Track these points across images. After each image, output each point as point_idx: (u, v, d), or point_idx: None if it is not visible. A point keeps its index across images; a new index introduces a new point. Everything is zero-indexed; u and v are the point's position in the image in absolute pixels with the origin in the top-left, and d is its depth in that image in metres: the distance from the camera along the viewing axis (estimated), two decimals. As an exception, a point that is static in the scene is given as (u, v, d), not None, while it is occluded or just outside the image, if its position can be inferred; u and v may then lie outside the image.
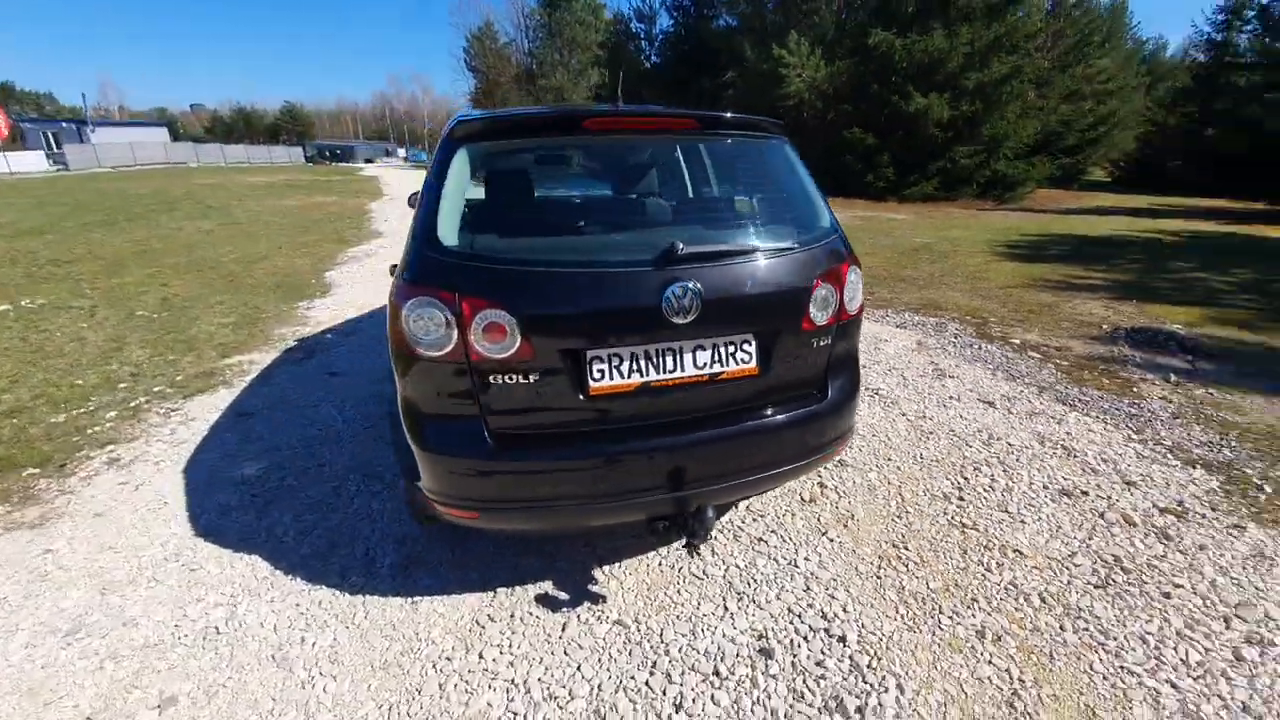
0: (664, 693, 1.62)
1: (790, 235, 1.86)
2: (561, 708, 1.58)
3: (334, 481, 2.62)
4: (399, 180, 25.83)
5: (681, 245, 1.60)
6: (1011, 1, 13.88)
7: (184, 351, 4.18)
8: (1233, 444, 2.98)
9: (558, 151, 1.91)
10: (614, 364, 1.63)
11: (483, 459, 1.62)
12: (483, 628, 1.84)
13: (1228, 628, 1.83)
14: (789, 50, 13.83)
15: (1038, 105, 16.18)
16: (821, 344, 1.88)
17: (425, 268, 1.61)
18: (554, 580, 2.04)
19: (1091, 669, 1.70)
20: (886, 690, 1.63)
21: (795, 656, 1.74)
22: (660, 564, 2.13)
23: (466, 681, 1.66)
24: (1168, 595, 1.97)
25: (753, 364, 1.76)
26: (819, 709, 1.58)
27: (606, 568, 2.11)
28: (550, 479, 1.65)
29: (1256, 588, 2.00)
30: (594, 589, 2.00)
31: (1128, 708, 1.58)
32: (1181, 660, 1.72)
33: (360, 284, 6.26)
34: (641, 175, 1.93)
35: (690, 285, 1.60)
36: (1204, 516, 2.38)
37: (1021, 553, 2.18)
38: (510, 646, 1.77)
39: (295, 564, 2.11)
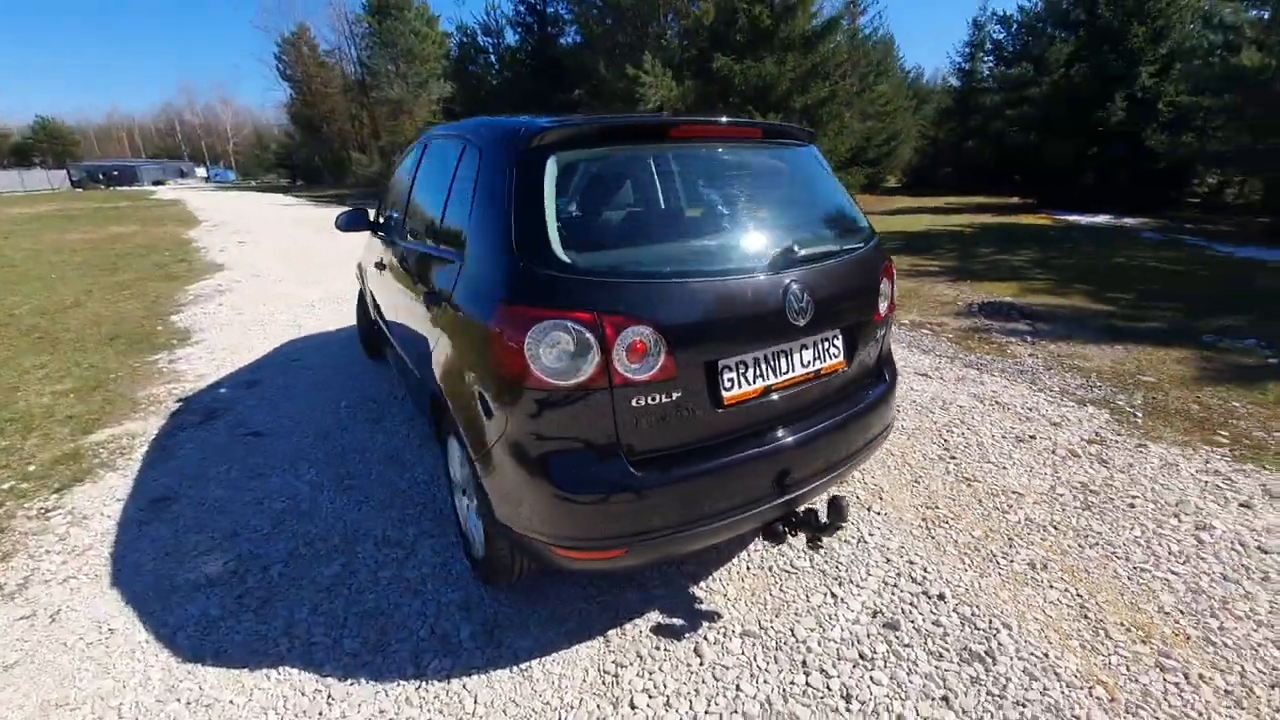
0: (829, 688, 1.64)
1: (854, 234, 2.01)
2: (744, 732, 1.52)
3: (340, 558, 2.19)
4: (212, 204, 22.07)
5: (798, 247, 1.65)
6: (822, 35, 16.13)
7: (20, 434, 3.16)
8: (1097, 384, 3.80)
9: (645, 159, 1.84)
10: (741, 371, 1.62)
11: (628, 489, 1.49)
12: (617, 676, 1.69)
13: (1180, 521, 2.36)
14: (645, 70, 14.53)
15: (849, 125, 18.97)
16: (881, 334, 2.06)
17: (547, 287, 1.45)
18: (659, 609, 1.94)
19: (1118, 573, 2.07)
20: (998, 631, 1.82)
21: (914, 623, 1.86)
22: (748, 568, 2.13)
23: (633, 735, 1.51)
24: (1132, 505, 2.47)
25: (840, 358, 1.87)
26: (961, 662, 1.72)
27: (702, 583, 2.05)
28: (694, 498, 1.58)
29: (1180, 487, 2.59)
30: (703, 607, 1.94)
31: (1157, 596, 1.96)
32: (1169, 552, 2.17)
33: (232, 327, 5.23)
34: (724, 182, 1.94)
35: (806, 286, 1.66)
36: (1116, 442, 3.02)
37: (1019, 493, 2.58)
38: (658, 687, 1.65)
39: (348, 665, 1.73)
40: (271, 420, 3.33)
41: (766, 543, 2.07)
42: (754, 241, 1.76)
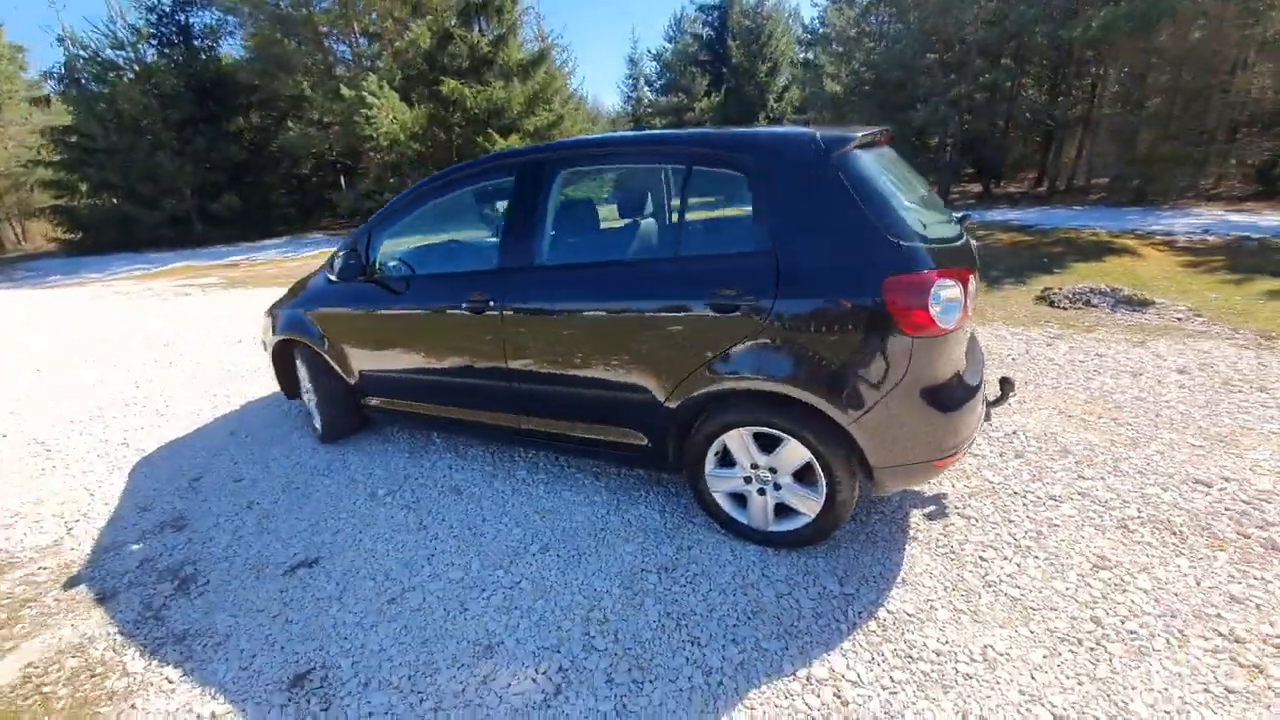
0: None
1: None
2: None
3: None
4: None
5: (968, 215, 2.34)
6: (535, 64, 17.16)
7: None
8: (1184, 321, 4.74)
9: (883, 156, 2.17)
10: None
11: (969, 398, 1.95)
12: (948, 536, 2.07)
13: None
14: (371, 92, 13.11)
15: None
16: None
17: (931, 255, 1.79)
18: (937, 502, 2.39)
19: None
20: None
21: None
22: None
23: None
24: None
25: None
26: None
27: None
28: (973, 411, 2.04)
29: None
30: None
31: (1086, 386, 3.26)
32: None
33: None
34: (905, 175, 2.36)
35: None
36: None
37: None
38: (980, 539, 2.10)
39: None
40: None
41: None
42: (938, 213, 2.25)
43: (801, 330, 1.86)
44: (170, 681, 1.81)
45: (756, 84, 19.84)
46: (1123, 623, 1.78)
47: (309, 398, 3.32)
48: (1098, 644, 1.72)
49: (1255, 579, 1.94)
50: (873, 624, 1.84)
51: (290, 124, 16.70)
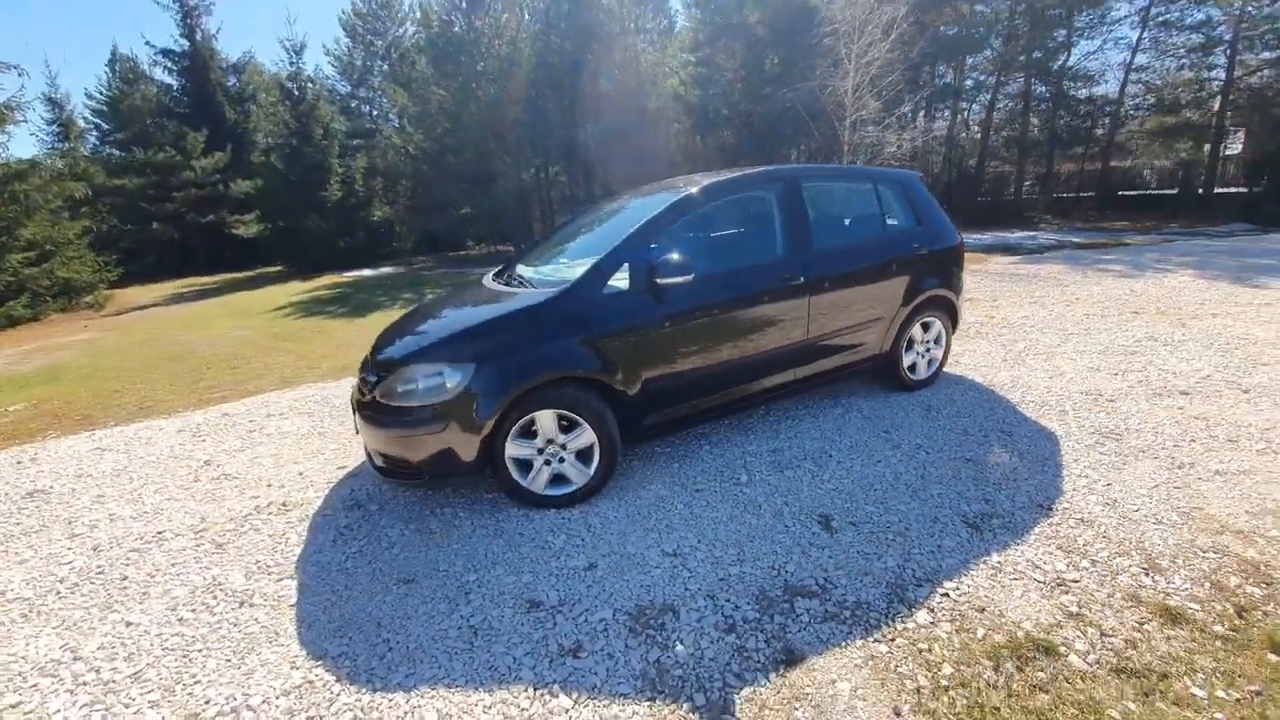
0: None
1: None
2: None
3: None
4: None
5: None
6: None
7: None
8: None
9: None
10: None
11: None
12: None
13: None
14: None
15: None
16: None
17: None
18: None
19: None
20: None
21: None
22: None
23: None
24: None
25: None
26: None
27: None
28: None
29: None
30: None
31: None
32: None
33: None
34: None
35: None
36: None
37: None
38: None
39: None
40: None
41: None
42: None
43: (931, 265, 3.83)
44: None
45: (317, 147, 17.24)
46: None
47: (543, 456, 2.70)
48: None
49: None
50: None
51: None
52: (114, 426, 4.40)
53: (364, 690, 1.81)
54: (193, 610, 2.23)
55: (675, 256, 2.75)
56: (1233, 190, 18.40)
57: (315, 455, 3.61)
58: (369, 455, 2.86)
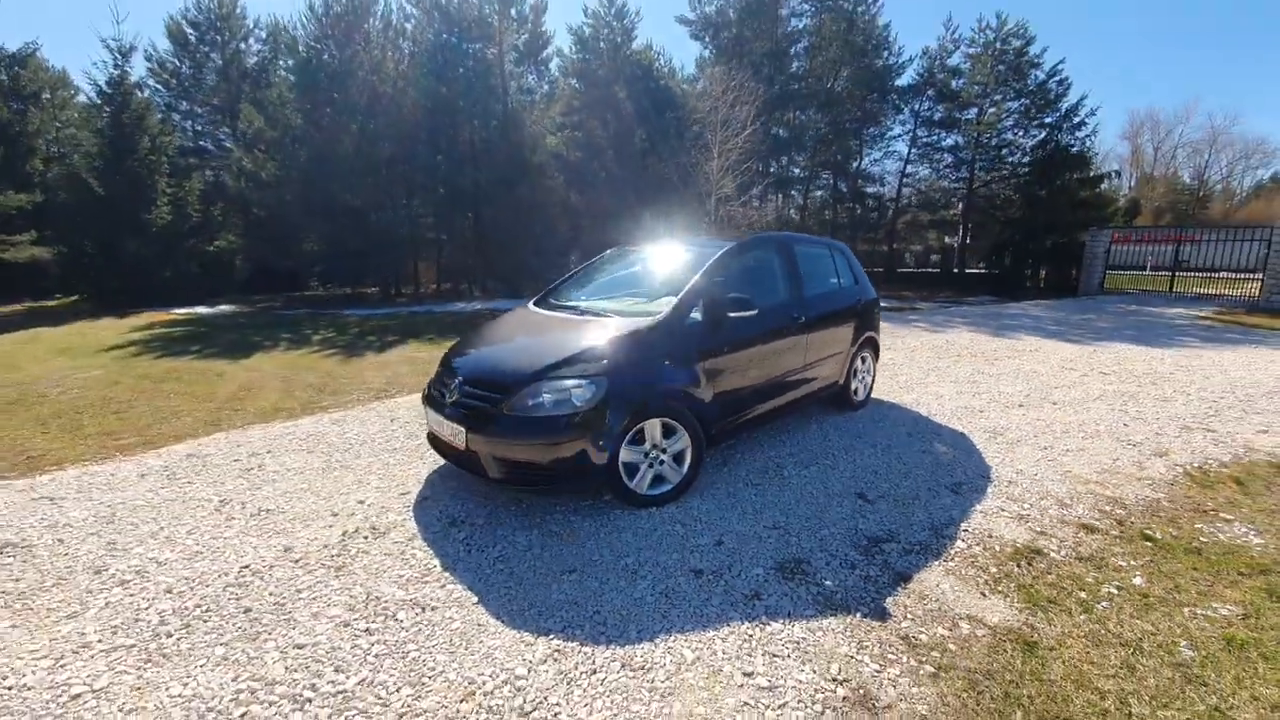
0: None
1: None
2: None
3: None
4: None
5: None
6: None
7: None
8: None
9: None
10: None
11: None
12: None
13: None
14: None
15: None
16: None
17: None
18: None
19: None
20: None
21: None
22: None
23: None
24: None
25: None
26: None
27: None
28: None
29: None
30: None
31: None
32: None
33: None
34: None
35: None
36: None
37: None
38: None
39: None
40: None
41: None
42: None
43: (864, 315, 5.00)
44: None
45: (141, 161, 16.61)
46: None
47: (648, 459, 3.17)
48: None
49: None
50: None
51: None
52: (36, 476, 3.62)
53: (614, 645, 2.12)
54: (369, 621, 2.25)
55: (740, 295, 3.52)
56: (981, 270, 24.87)
57: (362, 486, 3.49)
58: (483, 468, 3.01)
